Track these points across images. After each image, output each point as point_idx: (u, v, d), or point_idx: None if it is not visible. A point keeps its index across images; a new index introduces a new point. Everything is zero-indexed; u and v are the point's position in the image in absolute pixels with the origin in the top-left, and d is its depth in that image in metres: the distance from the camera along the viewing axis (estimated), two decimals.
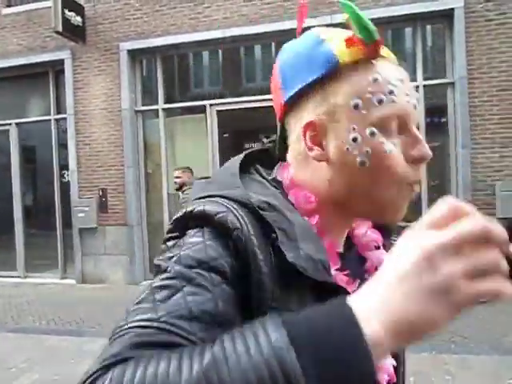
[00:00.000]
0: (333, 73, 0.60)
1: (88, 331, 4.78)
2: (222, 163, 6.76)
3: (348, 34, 0.61)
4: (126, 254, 6.76)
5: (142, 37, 6.72)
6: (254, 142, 7.82)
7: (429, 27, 6.45)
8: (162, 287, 0.49)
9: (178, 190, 5.08)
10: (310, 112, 0.62)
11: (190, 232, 0.55)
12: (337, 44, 0.61)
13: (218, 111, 6.69)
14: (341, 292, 0.54)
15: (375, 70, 0.60)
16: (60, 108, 7.33)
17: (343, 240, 0.68)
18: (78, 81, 7.00)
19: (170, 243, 0.57)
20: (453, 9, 5.69)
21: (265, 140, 8.33)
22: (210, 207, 0.55)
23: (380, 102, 0.58)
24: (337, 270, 0.61)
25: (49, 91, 7.34)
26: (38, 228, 7.74)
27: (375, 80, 0.59)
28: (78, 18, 6.64)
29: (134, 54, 6.87)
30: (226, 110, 6.69)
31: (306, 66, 0.62)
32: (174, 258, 0.52)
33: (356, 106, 0.59)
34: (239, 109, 6.67)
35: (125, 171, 6.80)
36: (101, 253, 6.89)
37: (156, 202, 7.01)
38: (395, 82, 0.60)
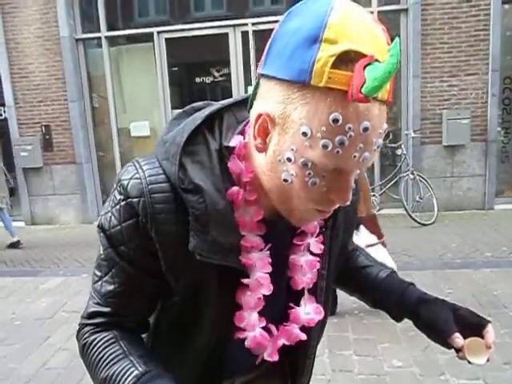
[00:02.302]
0: (301, 85, 0.54)
1: (43, 271, 4.69)
2: (172, 98, 6.48)
3: (371, 35, 0.54)
4: (76, 193, 6.52)
5: None
6: (205, 76, 7.52)
7: None
8: (98, 266, 0.72)
9: None
10: (271, 101, 0.58)
11: (115, 190, 0.68)
12: (326, 55, 0.52)
13: (167, 39, 6.29)
14: (240, 272, 0.68)
15: (341, 108, 0.53)
16: None
17: (277, 212, 0.70)
18: (4, 4, 6.27)
19: (113, 188, 0.69)
20: None
21: (216, 74, 8.04)
22: (128, 174, 0.66)
23: (325, 148, 0.55)
24: (259, 236, 0.69)
25: None
26: None
27: (334, 121, 0.53)
28: None
29: None
30: (176, 39, 6.31)
31: (286, 58, 0.55)
32: (105, 234, 0.69)
33: (304, 134, 0.56)
34: (189, 37, 6.31)
35: (69, 106, 6.38)
36: (49, 193, 6.60)
37: (105, 137, 6.70)
38: (354, 132, 0.54)
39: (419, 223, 5.31)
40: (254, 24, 6.03)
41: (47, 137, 6.45)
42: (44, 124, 6.45)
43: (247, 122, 0.69)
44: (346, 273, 0.97)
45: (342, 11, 0.54)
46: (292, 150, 0.58)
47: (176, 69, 6.93)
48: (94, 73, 6.65)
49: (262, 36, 6.09)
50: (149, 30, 6.28)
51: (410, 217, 5.34)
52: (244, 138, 0.68)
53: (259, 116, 0.60)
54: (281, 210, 0.67)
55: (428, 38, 5.70)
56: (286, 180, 0.61)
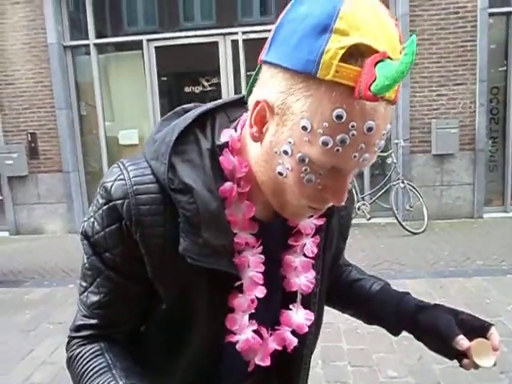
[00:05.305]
0: (307, 76, 0.52)
1: (27, 281, 4.55)
2: (161, 107, 6.43)
3: (383, 29, 0.51)
4: (63, 202, 6.40)
5: None
6: (194, 86, 7.52)
7: None
8: (83, 277, 0.69)
9: None
10: (272, 89, 0.56)
11: (98, 193, 0.68)
12: (336, 47, 0.49)
13: (157, 48, 6.26)
14: (232, 276, 0.65)
15: (346, 105, 0.50)
16: None
17: (271, 211, 0.68)
18: None
19: (96, 192, 0.68)
20: None
21: (205, 83, 8.03)
22: (112, 176, 0.64)
23: (325, 145, 0.53)
24: (252, 234, 0.66)
25: None
26: None
27: (338, 117, 0.51)
28: None
29: None
30: (165, 47, 6.27)
31: (293, 46, 0.52)
32: (89, 241, 0.67)
33: (304, 128, 0.53)
34: (179, 46, 6.28)
35: (56, 113, 6.28)
36: (34, 202, 6.46)
37: (93, 145, 6.60)
38: (357, 131, 0.51)
39: (410, 232, 5.30)
40: (244, 33, 6.03)
41: (33, 144, 6.33)
42: (30, 131, 6.34)
43: (239, 122, 0.67)
44: (338, 288, 0.95)
45: (354, 0, 0.51)
46: (289, 143, 0.55)
47: (165, 78, 6.89)
48: (82, 80, 6.57)
49: (252, 45, 6.09)
50: (138, 38, 6.24)
51: (401, 225, 5.34)
52: (236, 131, 0.66)
53: (257, 103, 0.57)
54: (273, 203, 0.65)
55: (416, 48, 5.74)
56: (280, 173, 0.59)
